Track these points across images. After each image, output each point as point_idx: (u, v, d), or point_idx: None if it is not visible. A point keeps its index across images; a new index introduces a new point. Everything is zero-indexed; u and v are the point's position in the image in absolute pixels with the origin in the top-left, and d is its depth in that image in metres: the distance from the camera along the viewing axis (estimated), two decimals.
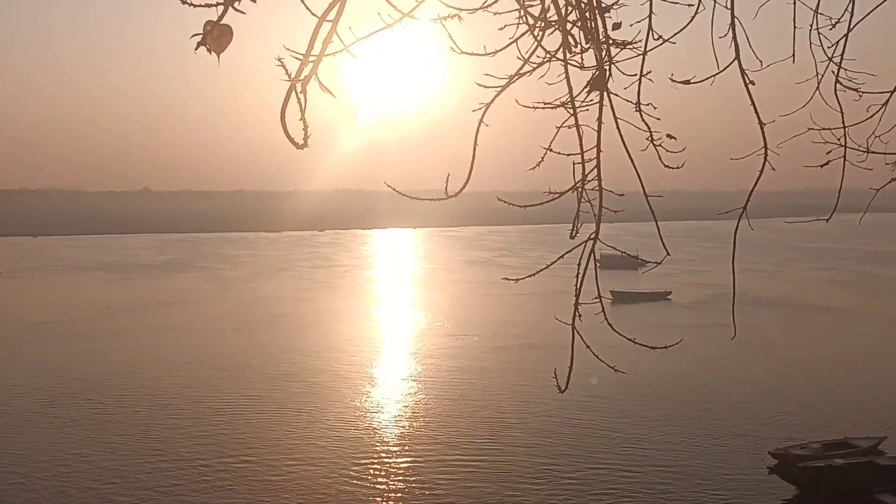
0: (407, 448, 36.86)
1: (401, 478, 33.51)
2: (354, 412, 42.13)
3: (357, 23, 1.97)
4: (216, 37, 1.47)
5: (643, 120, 2.72)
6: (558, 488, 32.29)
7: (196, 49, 1.36)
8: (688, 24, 2.50)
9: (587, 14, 2.36)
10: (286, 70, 1.72)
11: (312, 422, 40.28)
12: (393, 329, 68.54)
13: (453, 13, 1.95)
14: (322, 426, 39.63)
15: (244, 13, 1.39)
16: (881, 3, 2.45)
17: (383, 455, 36.02)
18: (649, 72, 2.70)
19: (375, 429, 39.64)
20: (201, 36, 1.45)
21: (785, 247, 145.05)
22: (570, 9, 2.33)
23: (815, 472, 32.36)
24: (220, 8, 1.45)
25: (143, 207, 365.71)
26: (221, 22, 1.49)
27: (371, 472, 34.00)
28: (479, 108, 2.52)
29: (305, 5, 1.50)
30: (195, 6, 1.48)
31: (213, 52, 1.52)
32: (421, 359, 55.15)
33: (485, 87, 2.38)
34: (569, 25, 2.54)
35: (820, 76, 2.56)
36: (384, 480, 33.26)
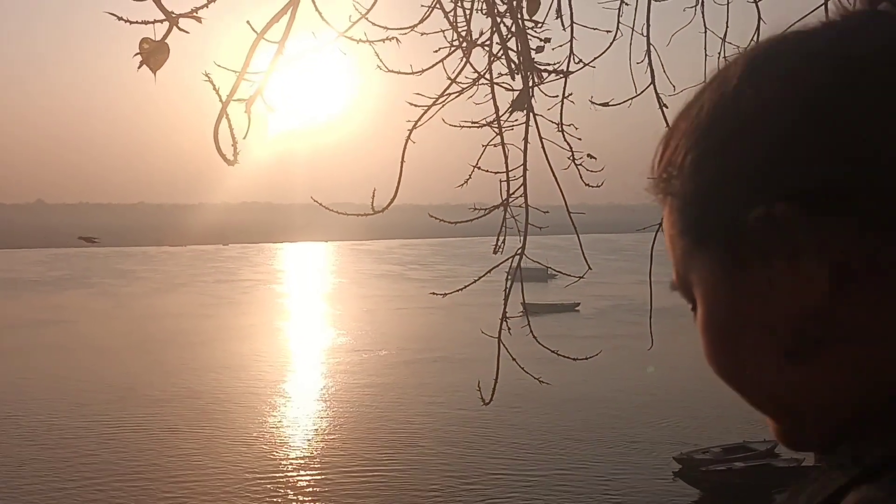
0: (318, 466, 36.31)
1: (310, 496, 32.99)
2: (258, 431, 41.13)
3: (288, 40, 1.98)
4: (155, 55, 1.45)
5: (565, 140, 2.82)
6: (470, 499, 32.50)
7: (139, 68, 1.34)
8: (606, 49, 2.62)
9: (513, 37, 2.44)
10: (215, 88, 1.71)
11: (212, 440, 39.14)
12: (298, 345, 67.31)
13: (391, 35, 1.99)
14: (222, 445, 38.56)
15: (188, 32, 1.39)
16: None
17: (291, 473, 35.35)
18: (571, 94, 2.80)
19: (282, 447, 38.87)
20: (140, 54, 1.43)
21: None
22: (494, 32, 2.40)
23: (716, 475, 33.76)
24: (160, 26, 1.43)
25: (35, 221, 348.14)
26: (159, 40, 1.48)
27: (279, 490, 33.32)
28: (407, 127, 2.56)
29: (251, 26, 1.50)
30: (132, 23, 1.46)
31: (150, 69, 1.51)
32: (329, 375, 54.42)
33: (415, 105, 2.42)
34: (496, 48, 2.61)
35: None
36: (293, 498, 32.65)
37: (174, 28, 1.36)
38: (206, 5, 1.41)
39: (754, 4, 2.61)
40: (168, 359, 59.09)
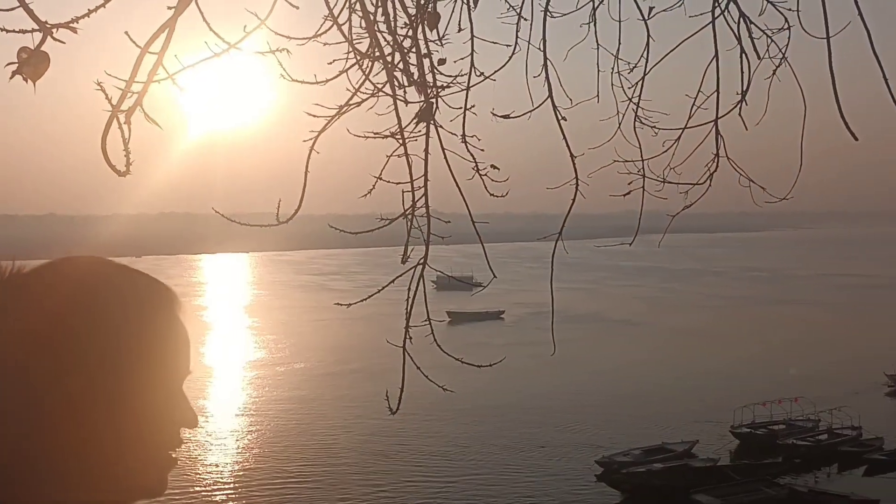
0: (236, 480, 35.47)
1: None
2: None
3: (184, 51, 1.96)
4: (33, 64, 1.42)
5: (468, 151, 2.87)
6: None
7: (11, 77, 1.31)
8: (505, 63, 2.69)
9: (412, 51, 2.48)
10: (107, 96, 1.68)
11: None
12: (215, 360, 65.43)
13: (282, 47, 1.99)
14: None
15: (64, 42, 1.36)
16: (671, 52, 2.76)
17: (208, 488, 34.42)
18: (473, 106, 2.86)
19: (199, 462, 37.82)
20: (17, 64, 1.39)
21: (600, 266, 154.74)
22: (395, 48, 2.44)
23: (637, 477, 34.65)
24: (38, 35, 1.40)
25: None
26: (39, 49, 1.45)
27: None
28: (311, 137, 2.56)
29: (129, 37, 1.48)
30: (7, 31, 1.42)
31: (28, 80, 1.47)
32: (246, 389, 53.30)
33: (315, 116, 2.42)
34: (398, 59, 2.65)
35: (621, 114, 2.85)
36: None
37: (54, 36, 1.33)
38: (87, 15, 1.39)
39: (643, 23, 2.73)
40: None
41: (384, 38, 2.38)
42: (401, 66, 2.42)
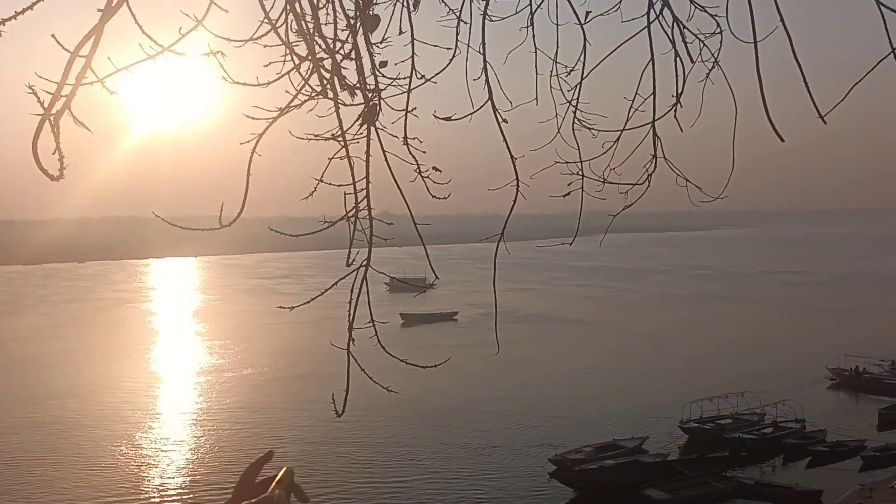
0: (184, 488, 34.84)
1: None
2: (118, 457, 39.03)
3: (119, 53, 1.94)
4: None
5: (410, 153, 2.89)
6: None
7: None
8: (446, 66, 2.71)
9: (352, 54, 2.49)
10: (39, 99, 1.65)
11: (72, 466, 36.82)
12: (164, 366, 64.24)
13: (217, 50, 1.98)
14: (83, 471, 36.35)
15: None
16: (608, 56, 2.82)
17: (156, 496, 33.75)
18: (415, 108, 2.87)
19: (145, 471, 37.06)
20: None
21: (551, 266, 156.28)
22: (329, 52, 2.44)
23: (589, 474, 35.09)
24: None
25: None
26: None
27: None
28: (251, 139, 2.54)
29: (57, 40, 1.46)
30: None
31: None
32: (194, 396, 52.41)
33: (254, 118, 2.41)
34: (339, 59, 2.65)
35: (561, 117, 2.89)
36: None
37: None
38: (13, 17, 1.36)
39: (580, 27, 2.78)
40: (9, 386, 54.69)
41: (321, 42, 2.38)
42: (339, 69, 2.42)
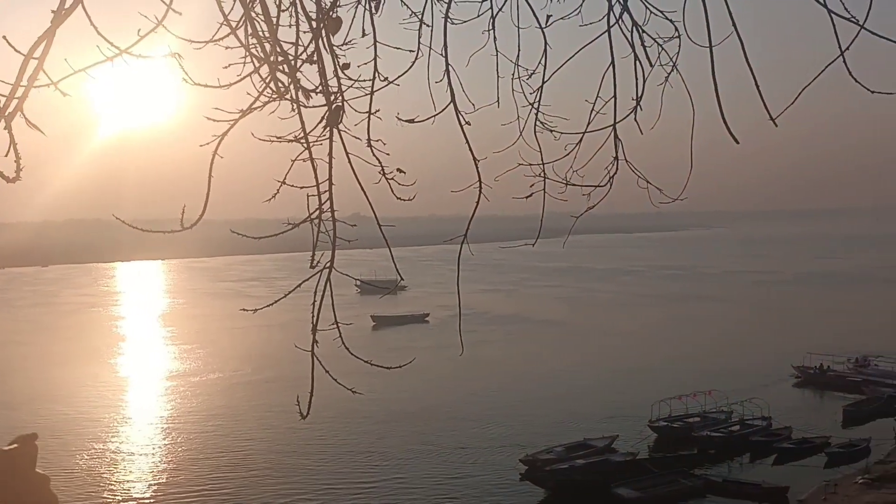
0: (154, 493, 34.39)
1: None
2: (76, 465, 38.31)
3: (77, 56, 1.92)
4: None
5: (374, 155, 2.90)
6: None
7: None
8: (409, 68, 2.72)
9: (315, 57, 2.49)
10: None
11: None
12: (131, 371, 63.26)
13: (176, 52, 1.98)
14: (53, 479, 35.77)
15: None
16: (569, 59, 2.86)
17: (124, 500, 33.29)
18: (378, 110, 2.88)
19: (112, 476, 36.52)
20: None
21: (522, 267, 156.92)
22: (282, 54, 2.44)
23: (560, 473, 35.24)
24: None
25: None
26: None
27: None
28: (211, 141, 2.54)
29: (9, 43, 1.45)
30: None
31: None
32: (162, 401, 51.73)
33: (215, 120, 2.40)
34: (298, 62, 2.65)
35: (523, 119, 2.92)
36: None
37: None
38: None
39: (541, 30, 2.81)
40: None
41: (280, 45, 2.38)
42: (295, 72, 2.42)
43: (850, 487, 33.44)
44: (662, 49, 2.81)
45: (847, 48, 2.12)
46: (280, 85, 2.42)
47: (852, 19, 2.11)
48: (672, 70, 2.88)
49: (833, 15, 2.23)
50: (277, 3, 2.57)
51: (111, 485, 35.66)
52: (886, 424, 43.06)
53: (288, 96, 2.46)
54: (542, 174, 2.92)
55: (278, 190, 2.62)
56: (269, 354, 63.68)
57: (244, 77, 2.52)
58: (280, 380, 53.55)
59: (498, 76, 2.88)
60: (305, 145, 2.68)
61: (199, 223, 2.57)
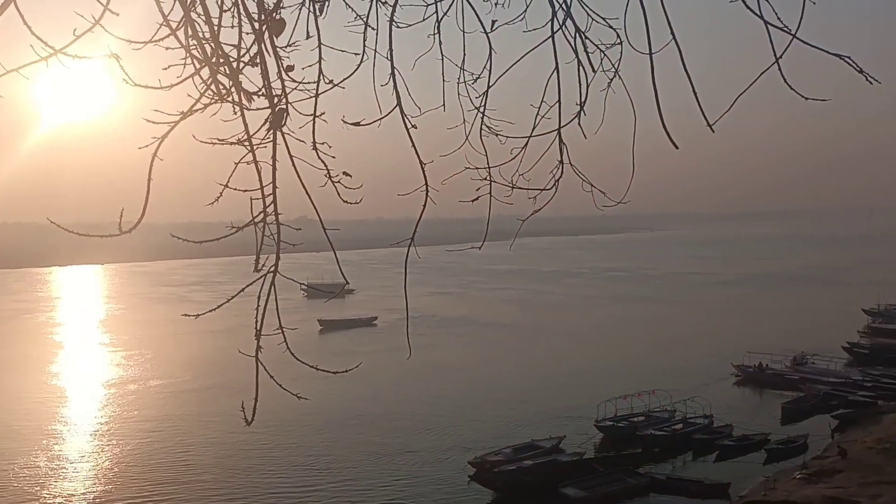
0: None
1: None
2: (10, 476, 37.02)
3: (11, 56, 1.87)
4: None
5: (319, 158, 2.87)
6: None
7: None
8: (354, 71, 2.71)
9: (257, 59, 2.46)
10: None
11: None
12: (68, 379, 61.33)
13: (115, 53, 1.93)
14: None
15: None
16: (514, 64, 2.88)
17: None
18: (323, 113, 2.86)
19: (50, 488, 35.41)
20: None
21: (470, 270, 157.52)
22: (222, 56, 2.41)
23: (508, 475, 35.45)
24: None
25: None
26: None
27: None
28: (151, 143, 2.49)
29: None
30: None
31: None
32: (101, 409, 50.30)
33: (156, 122, 2.36)
34: (241, 63, 2.61)
35: (469, 123, 2.94)
36: None
37: None
38: None
39: (486, 35, 2.83)
40: None
41: (220, 46, 2.35)
42: (237, 73, 2.39)
43: (788, 483, 34.40)
44: (605, 55, 2.86)
45: (780, 56, 2.18)
46: (221, 87, 2.38)
47: (785, 29, 2.18)
48: (614, 76, 2.93)
49: (767, 25, 2.30)
50: (219, 3, 2.54)
51: (47, 495, 34.57)
52: (823, 421, 44.50)
53: (230, 98, 2.43)
54: (489, 178, 2.94)
55: (221, 193, 2.58)
56: (212, 360, 62.55)
57: (185, 79, 2.47)
58: (222, 386, 52.68)
59: (444, 80, 2.89)
60: (249, 148, 2.64)
61: (140, 227, 2.52)
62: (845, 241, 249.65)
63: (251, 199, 2.56)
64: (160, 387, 56.73)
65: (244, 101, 2.44)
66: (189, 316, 2.79)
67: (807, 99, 2.42)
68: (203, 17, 2.39)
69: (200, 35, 2.24)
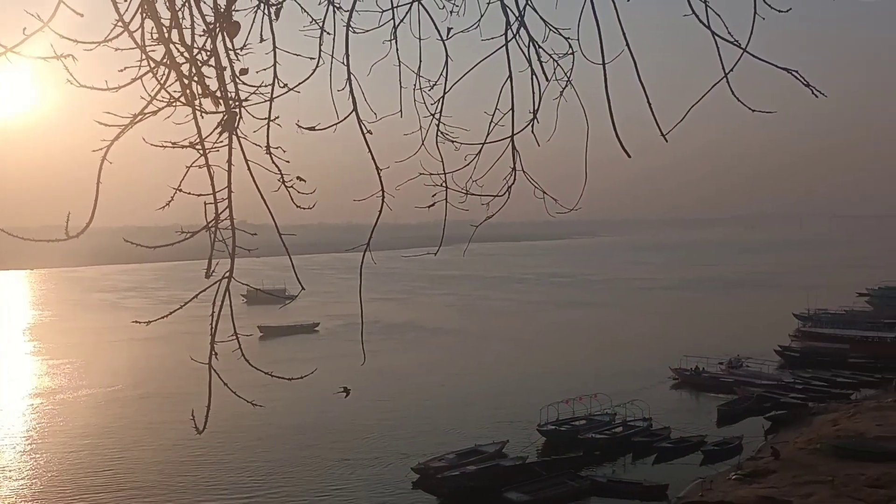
0: None
1: None
2: None
3: None
4: None
5: (273, 162, 2.85)
6: None
7: None
8: (309, 76, 2.70)
9: (211, 61, 2.43)
10: None
11: None
12: None
13: (65, 53, 1.88)
14: None
15: None
16: (469, 71, 2.91)
17: None
18: (277, 117, 2.84)
19: None
20: None
21: (415, 275, 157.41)
22: (189, 57, 2.37)
23: (452, 480, 35.51)
24: None
25: None
26: None
27: None
28: (102, 147, 2.43)
29: None
30: None
31: None
32: (28, 421, 48.49)
33: (106, 125, 2.30)
34: (198, 64, 2.57)
35: (424, 129, 2.95)
36: None
37: None
38: None
39: (442, 42, 2.85)
40: None
41: (178, 47, 2.31)
42: (201, 74, 2.36)
43: (724, 483, 35.26)
44: (558, 65, 2.91)
45: (731, 70, 2.26)
46: (183, 86, 2.34)
47: (735, 43, 2.26)
48: (567, 85, 2.98)
49: (716, 37, 2.38)
50: (168, 4, 2.49)
51: None
52: (756, 423, 45.82)
53: (182, 100, 2.39)
54: (444, 184, 2.96)
55: (173, 197, 2.54)
56: (149, 368, 61.01)
57: (135, 79, 2.42)
58: (163, 395, 51.44)
59: (401, 86, 2.90)
60: (201, 151, 2.60)
61: (72, 231, 2.44)
62: (779, 247, 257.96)
63: (205, 204, 2.52)
64: (91, 396, 55.02)
65: (197, 103, 2.40)
66: (140, 322, 2.72)
67: (753, 111, 2.50)
68: (157, 16, 2.35)
69: (164, 35, 2.20)
